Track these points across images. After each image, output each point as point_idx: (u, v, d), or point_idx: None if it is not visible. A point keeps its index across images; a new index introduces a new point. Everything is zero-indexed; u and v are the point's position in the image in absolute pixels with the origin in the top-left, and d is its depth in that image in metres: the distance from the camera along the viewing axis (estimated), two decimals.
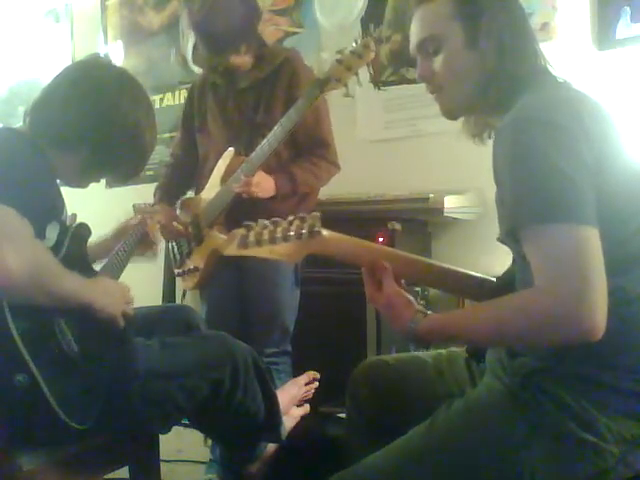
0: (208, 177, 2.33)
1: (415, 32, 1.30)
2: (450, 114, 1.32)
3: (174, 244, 2.46)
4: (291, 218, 1.15)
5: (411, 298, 1.24)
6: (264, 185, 2.14)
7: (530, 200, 1.06)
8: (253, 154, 2.14)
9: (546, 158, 1.05)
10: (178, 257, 2.44)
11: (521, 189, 1.08)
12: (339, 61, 1.99)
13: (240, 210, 2.21)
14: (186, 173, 2.48)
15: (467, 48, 1.23)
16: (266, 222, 1.14)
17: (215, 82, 2.36)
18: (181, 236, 2.38)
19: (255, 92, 2.29)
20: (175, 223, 2.33)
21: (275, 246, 1.14)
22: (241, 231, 1.13)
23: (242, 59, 2.23)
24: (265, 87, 2.27)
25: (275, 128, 2.10)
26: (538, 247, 1.05)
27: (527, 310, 1.05)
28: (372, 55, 2.01)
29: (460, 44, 1.24)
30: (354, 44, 2.01)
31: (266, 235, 1.13)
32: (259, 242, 1.13)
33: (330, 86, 2.02)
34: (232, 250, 1.14)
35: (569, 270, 1.01)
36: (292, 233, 1.14)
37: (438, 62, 1.26)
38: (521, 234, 1.08)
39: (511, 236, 1.14)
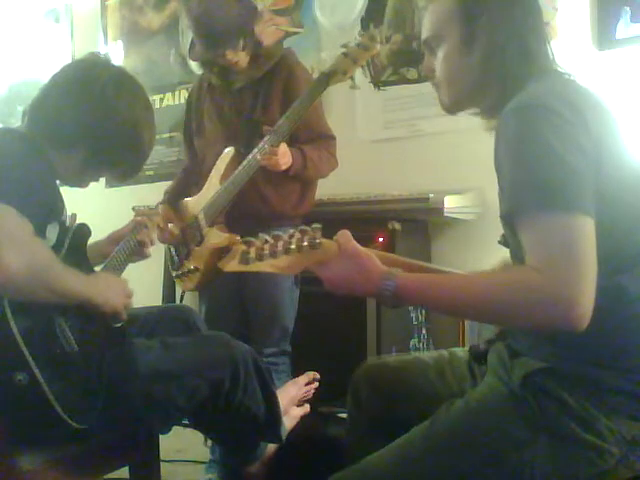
0: (206, 178, 2.33)
1: (424, 29, 1.32)
2: (447, 110, 1.34)
3: (172, 247, 2.46)
4: (292, 231, 1.15)
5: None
6: (285, 157, 2.12)
7: (529, 186, 1.06)
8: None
9: (547, 144, 1.05)
10: (176, 259, 2.44)
11: (520, 174, 1.08)
12: (345, 54, 2.01)
13: (240, 209, 2.22)
14: (194, 179, 2.48)
15: (461, 51, 1.25)
16: (267, 237, 1.14)
17: (211, 83, 2.37)
18: (175, 241, 2.38)
19: (252, 91, 2.29)
20: (171, 226, 2.33)
21: (276, 260, 1.14)
22: (242, 247, 1.13)
23: (238, 56, 2.23)
24: (262, 86, 2.28)
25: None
26: (536, 232, 1.05)
27: (517, 284, 1.04)
28: (378, 47, 2.03)
29: (455, 46, 1.25)
30: (359, 37, 2.04)
31: (267, 250, 1.13)
32: (260, 257, 1.13)
33: (336, 78, 2.04)
34: (233, 266, 1.13)
35: (563, 255, 1.01)
36: (293, 246, 1.14)
37: (437, 60, 1.29)
38: (517, 219, 1.08)
39: (508, 222, 1.14)
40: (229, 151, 2.26)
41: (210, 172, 2.31)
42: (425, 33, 1.31)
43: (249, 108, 2.29)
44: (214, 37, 2.18)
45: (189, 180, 2.50)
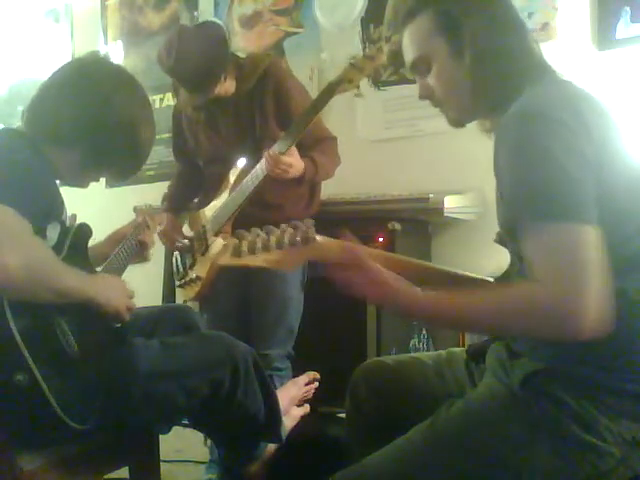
0: (215, 194, 2.36)
1: (406, 54, 1.32)
2: (456, 124, 1.33)
3: (178, 256, 2.47)
4: (284, 226, 1.14)
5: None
6: (295, 165, 2.15)
7: (532, 196, 1.06)
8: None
9: (549, 154, 1.05)
10: (181, 268, 2.45)
11: (523, 184, 1.08)
12: (352, 65, 2.03)
13: (248, 218, 2.22)
14: (195, 186, 2.52)
15: (453, 59, 1.24)
16: (259, 231, 1.13)
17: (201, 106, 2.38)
18: (184, 250, 2.39)
19: (245, 103, 2.30)
20: (177, 235, 2.38)
21: (269, 254, 1.13)
22: (234, 240, 1.12)
23: (225, 86, 2.25)
24: (255, 99, 2.29)
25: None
26: (538, 244, 1.05)
27: (526, 301, 1.04)
28: (383, 57, 2.04)
29: (446, 57, 1.25)
30: (367, 50, 2.07)
31: (259, 244, 1.12)
32: (252, 251, 1.12)
33: (342, 87, 2.05)
34: (225, 260, 1.13)
35: (566, 267, 1.01)
36: (286, 241, 1.14)
37: (432, 79, 1.28)
38: (520, 229, 1.08)
39: (508, 230, 1.14)
40: (242, 162, 2.28)
41: (219, 185, 2.35)
42: (410, 56, 1.31)
43: (246, 121, 2.30)
44: (195, 82, 2.20)
45: (189, 187, 2.53)
